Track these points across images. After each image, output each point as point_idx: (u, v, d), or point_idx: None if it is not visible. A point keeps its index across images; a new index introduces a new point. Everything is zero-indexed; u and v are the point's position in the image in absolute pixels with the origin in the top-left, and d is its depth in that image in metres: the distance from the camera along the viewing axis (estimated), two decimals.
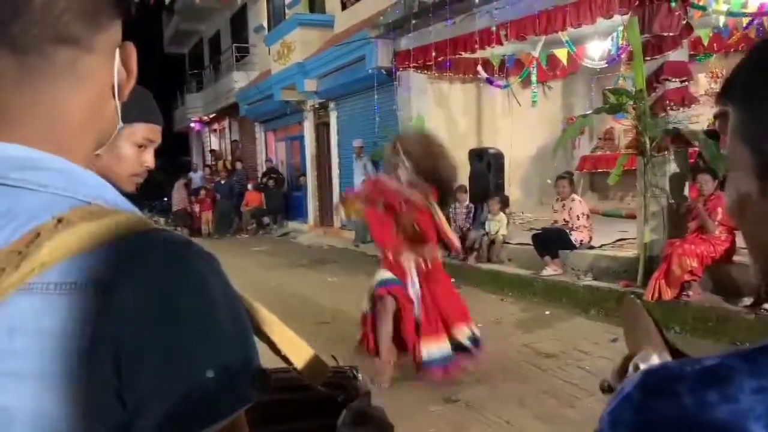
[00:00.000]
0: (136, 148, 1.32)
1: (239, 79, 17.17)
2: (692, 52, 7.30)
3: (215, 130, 22.10)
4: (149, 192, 14.96)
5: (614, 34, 7.88)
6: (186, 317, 0.52)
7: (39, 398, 0.49)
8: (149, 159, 1.34)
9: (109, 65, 0.62)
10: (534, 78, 9.27)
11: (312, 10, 13.82)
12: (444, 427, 3.56)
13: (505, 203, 8.26)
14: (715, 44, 8.41)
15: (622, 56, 7.83)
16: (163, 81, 26.93)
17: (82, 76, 0.59)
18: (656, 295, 5.27)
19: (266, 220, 14.95)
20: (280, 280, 8.31)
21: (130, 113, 1.14)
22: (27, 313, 0.49)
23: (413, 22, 8.67)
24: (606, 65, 8.52)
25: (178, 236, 0.57)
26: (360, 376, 0.83)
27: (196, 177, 17.08)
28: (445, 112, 10.14)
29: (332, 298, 6.94)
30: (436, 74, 9.32)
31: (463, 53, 8.31)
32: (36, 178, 0.54)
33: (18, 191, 0.54)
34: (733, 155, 0.52)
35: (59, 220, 0.52)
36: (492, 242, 7.73)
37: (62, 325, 0.49)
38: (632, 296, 0.72)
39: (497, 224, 7.78)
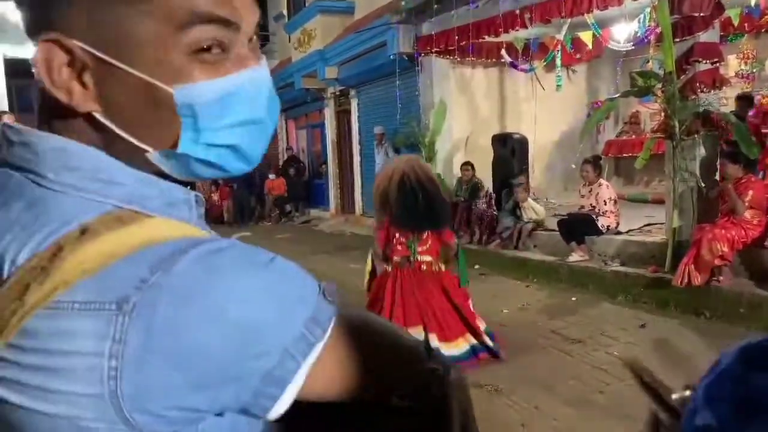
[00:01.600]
0: None
1: None
2: (722, 33, 7.12)
3: None
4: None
5: (641, 16, 7.71)
6: (243, 322, 0.51)
7: (76, 409, 0.48)
8: None
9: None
10: (558, 62, 9.13)
11: None
12: None
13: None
14: (746, 24, 8.20)
15: (650, 38, 7.66)
16: None
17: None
18: (685, 280, 5.20)
19: (288, 207, 15.04)
20: (303, 267, 8.35)
21: None
22: (55, 334, 0.48)
23: (435, 6, 8.58)
24: (632, 47, 8.35)
25: (212, 243, 0.53)
26: (452, 374, 0.74)
27: None
28: (467, 97, 10.06)
29: (356, 284, 6.97)
30: (459, 59, 9.23)
31: (486, 37, 8.21)
32: (70, 180, 0.54)
33: (52, 193, 0.53)
34: None
35: (83, 231, 0.50)
36: (520, 230, 7.66)
37: (95, 345, 0.48)
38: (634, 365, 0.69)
39: (532, 211, 7.71)
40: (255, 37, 0.61)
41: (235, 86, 0.57)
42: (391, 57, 9.87)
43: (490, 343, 4.30)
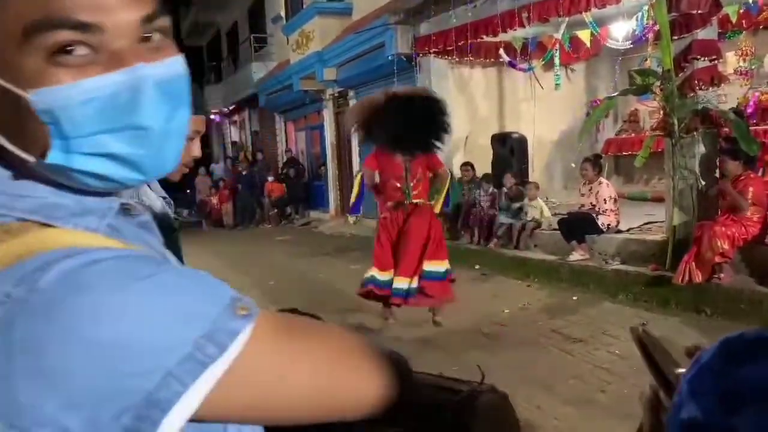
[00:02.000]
0: (188, 140, 1.33)
1: (258, 70, 17.19)
2: (721, 30, 7.12)
3: (235, 122, 22.22)
4: (171, 183, 15.12)
5: (639, 14, 7.71)
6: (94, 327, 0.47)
7: None
8: (196, 149, 1.35)
9: None
10: (557, 61, 9.13)
11: None
12: None
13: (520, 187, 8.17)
14: (743, 21, 8.19)
15: (648, 36, 7.66)
16: None
17: None
18: (686, 278, 5.19)
19: (288, 210, 15.03)
20: (304, 269, 8.36)
21: None
22: None
23: (433, 7, 8.58)
24: (630, 46, 8.35)
25: (91, 254, 0.50)
26: (482, 401, 0.70)
27: (218, 168, 17.21)
28: (466, 97, 10.05)
29: (356, 285, 6.96)
30: (457, 59, 9.22)
31: (484, 37, 8.21)
32: None
33: None
34: None
35: None
36: (523, 228, 7.65)
37: None
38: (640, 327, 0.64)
39: (535, 210, 7.70)
40: (160, 34, 0.56)
41: (104, 88, 0.52)
42: (390, 58, 9.86)
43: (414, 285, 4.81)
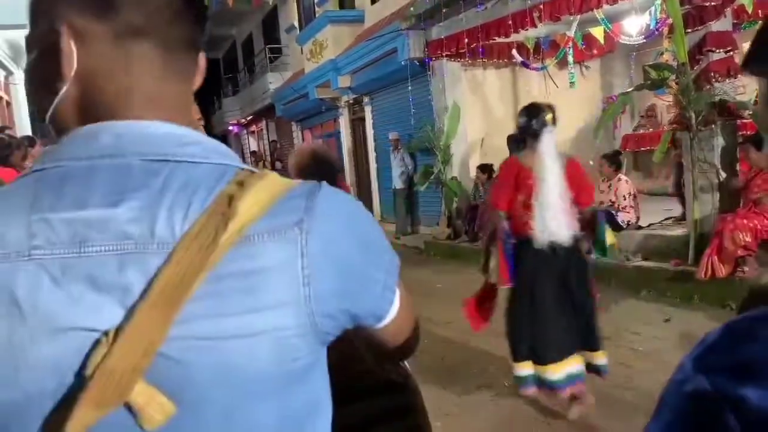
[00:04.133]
0: None
1: (274, 81, 17.38)
2: (735, 21, 7.03)
3: (253, 132, 22.46)
4: None
5: (652, 8, 7.66)
6: (369, 239, 0.67)
7: (280, 319, 0.59)
8: None
9: (199, 64, 0.72)
10: (570, 59, 9.09)
11: (342, 6, 13.87)
12: (493, 413, 3.56)
13: None
14: (759, 11, 8.08)
15: (662, 30, 7.60)
16: (199, 87, 27.50)
17: (193, 71, 0.70)
18: (709, 272, 5.13)
19: None
20: None
21: None
22: (251, 259, 0.57)
23: (444, 10, 8.61)
24: (644, 41, 8.29)
25: (318, 184, 0.66)
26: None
27: None
28: (480, 99, 10.06)
29: None
30: (470, 61, 9.24)
31: (496, 38, 8.22)
32: (199, 152, 0.62)
33: (187, 165, 0.61)
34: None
35: (240, 183, 0.60)
36: None
37: (284, 259, 0.59)
38: None
39: None
40: None
41: None
42: (402, 63, 9.91)
43: None
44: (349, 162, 14.15)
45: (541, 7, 7.13)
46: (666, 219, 6.94)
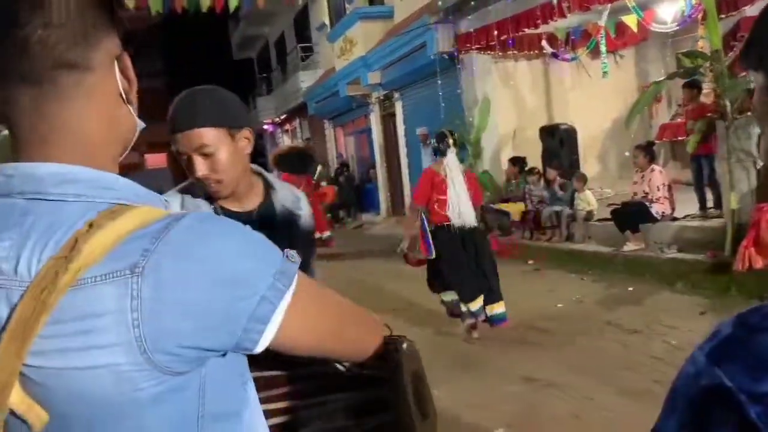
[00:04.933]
0: (186, 158, 1.38)
1: (306, 79, 17.54)
2: None
3: (287, 130, 22.72)
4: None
5: None
6: (229, 273, 0.65)
7: (114, 357, 0.62)
8: (201, 167, 1.37)
9: (111, 77, 0.70)
10: (603, 48, 8.92)
11: (371, 2, 13.90)
12: (523, 406, 3.57)
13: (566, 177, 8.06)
14: None
15: (696, 16, 7.40)
16: (234, 87, 27.88)
17: (89, 93, 0.68)
18: (747, 264, 5.00)
19: (340, 213, 15.26)
20: (355, 270, 8.49)
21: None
22: (86, 302, 0.61)
23: (472, 3, 8.57)
24: (677, 28, 8.09)
25: (196, 214, 0.68)
26: (404, 346, 0.93)
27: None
28: (511, 90, 9.97)
29: (406, 286, 7.04)
30: (500, 53, 9.18)
31: (525, 30, 8.14)
32: (72, 190, 0.65)
33: (58, 204, 0.65)
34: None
35: (90, 225, 0.63)
36: (573, 220, 7.56)
37: (115, 303, 0.61)
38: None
39: (583, 202, 7.60)
40: None
41: None
42: (432, 57, 9.91)
43: None
44: (381, 158, 14.20)
45: None
46: (702, 209, 6.76)
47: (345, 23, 13.53)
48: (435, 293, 4.98)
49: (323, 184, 15.52)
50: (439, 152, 4.76)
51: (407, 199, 13.06)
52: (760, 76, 0.58)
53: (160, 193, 0.81)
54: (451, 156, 4.70)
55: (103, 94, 0.69)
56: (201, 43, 28.91)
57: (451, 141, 4.71)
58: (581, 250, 7.19)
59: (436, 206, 4.66)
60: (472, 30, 8.93)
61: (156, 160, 21.10)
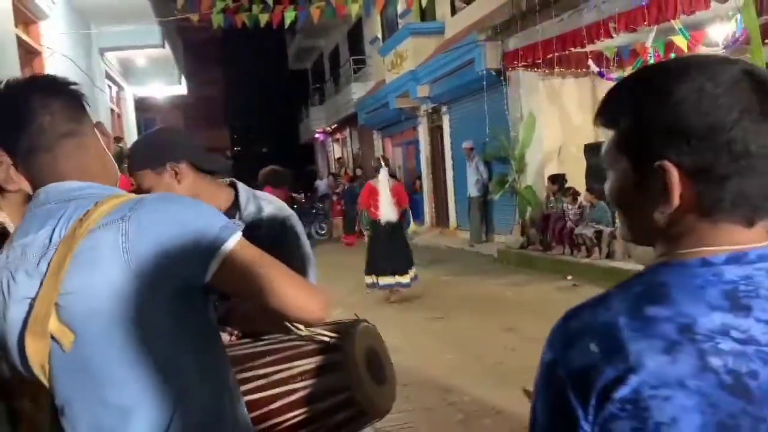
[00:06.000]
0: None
1: (357, 90, 17.99)
2: None
3: (338, 140, 23.25)
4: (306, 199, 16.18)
5: (738, 16, 7.42)
6: (184, 218, 1.01)
7: (118, 280, 0.97)
8: None
9: (95, 137, 1.14)
10: None
11: (423, 18, 14.21)
12: None
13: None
14: None
15: (745, 39, 7.36)
16: (289, 96, 28.77)
17: (86, 147, 1.11)
18: None
19: None
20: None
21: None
22: (98, 240, 0.98)
23: (520, 22, 8.74)
24: (724, 50, 8.03)
25: (158, 194, 1.14)
26: (362, 325, 1.23)
27: (321, 185, 18.11)
28: (557, 108, 10.05)
29: (445, 295, 7.23)
30: (547, 71, 9.29)
31: (572, 49, 8.25)
32: (85, 193, 1.06)
33: (74, 202, 1.04)
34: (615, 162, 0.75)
35: (96, 204, 1.02)
36: (614, 238, 7.61)
37: (111, 240, 0.97)
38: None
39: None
40: None
41: None
42: (479, 73, 10.10)
43: None
44: (427, 169, 14.42)
45: (617, 17, 7.13)
46: None
47: (397, 38, 13.88)
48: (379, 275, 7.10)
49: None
50: (375, 170, 7.19)
51: (451, 213, 13.25)
52: (612, 133, 0.70)
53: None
54: (382, 173, 7.04)
55: (94, 147, 1.12)
56: (259, 53, 29.86)
57: (382, 162, 7.26)
58: (620, 268, 7.22)
59: (372, 208, 7.14)
60: (518, 48, 9.09)
61: None
